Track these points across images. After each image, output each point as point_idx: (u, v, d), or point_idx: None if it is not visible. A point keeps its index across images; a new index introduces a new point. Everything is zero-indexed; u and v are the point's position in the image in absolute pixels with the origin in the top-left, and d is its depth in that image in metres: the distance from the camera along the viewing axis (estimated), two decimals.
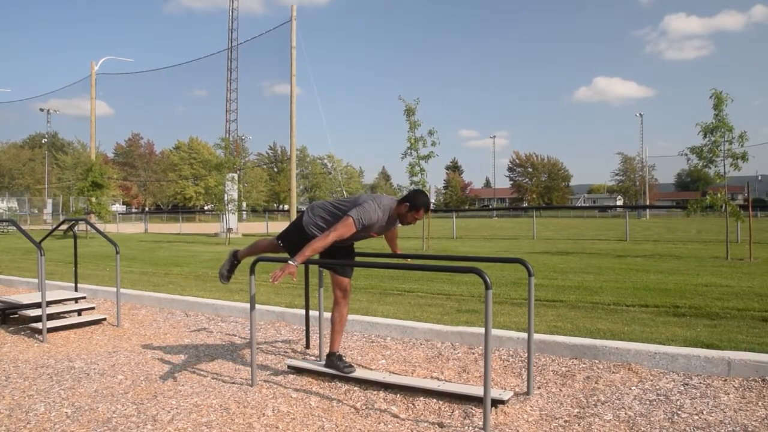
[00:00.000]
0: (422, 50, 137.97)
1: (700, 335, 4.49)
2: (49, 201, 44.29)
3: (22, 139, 61.55)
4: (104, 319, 5.81)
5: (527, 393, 3.53)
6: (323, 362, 3.96)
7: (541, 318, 5.22)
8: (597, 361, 4.10)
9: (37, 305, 5.49)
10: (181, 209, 48.66)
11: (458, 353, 4.46)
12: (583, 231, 24.54)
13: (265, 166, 70.21)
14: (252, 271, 3.70)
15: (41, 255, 5.22)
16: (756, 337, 4.39)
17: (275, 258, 3.88)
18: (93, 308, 6.12)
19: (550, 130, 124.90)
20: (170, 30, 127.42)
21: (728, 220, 11.59)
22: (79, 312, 5.94)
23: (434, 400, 3.41)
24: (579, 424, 3.04)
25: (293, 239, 3.77)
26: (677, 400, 3.36)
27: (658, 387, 3.59)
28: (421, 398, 3.45)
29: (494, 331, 4.54)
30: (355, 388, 3.67)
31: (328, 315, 4.13)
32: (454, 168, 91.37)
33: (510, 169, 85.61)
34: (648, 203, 57.22)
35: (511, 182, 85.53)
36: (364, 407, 3.36)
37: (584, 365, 4.05)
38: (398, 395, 3.53)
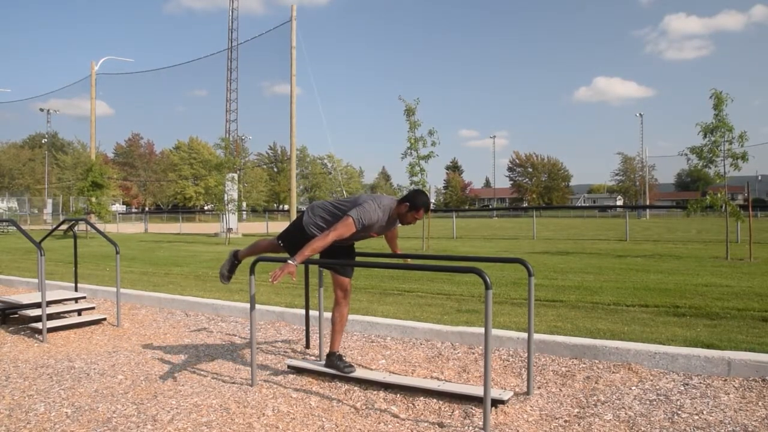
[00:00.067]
0: (422, 50, 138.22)
1: (700, 335, 4.49)
2: (49, 201, 44.28)
3: (22, 139, 61.71)
4: (104, 319, 5.81)
5: (527, 393, 3.54)
6: (323, 362, 3.96)
7: (541, 318, 5.22)
8: (597, 361, 4.10)
9: (37, 305, 5.49)
10: (181, 209, 48.68)
11: (458, 353, 4.46)
12: (583, 231, 24.54)
13: (265, 166, 70.22)
14: (252, 271, 3.70)
15: (41, 255, 5.22)
16: (756, 337, 4.39)
17: (275, 258, 3.87)
18: (93, 308, 6.12)
19: (550, 130, 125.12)
20: (170, 30, 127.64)
21: (728, 220, 11.59)
22: (79, 312, 5.94)
23: (434, 400, 3.42)
24: (579, 424, 3.04)
25: (293, 239, 3.77)
26: (677, 400, 3.36)
27: (658, 387, 3.59)
28: (421, 398, 3.45)
29: (494, 331, 4.54)
30: (355, 388, 3.67)
31: (328, 315, 4.14)
32: (454, 168, 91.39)
33: (510, 169, 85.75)
34: (648, 203, 57.24)
35: (511, 182, 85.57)
36: (364, 407, 3.36)
37: (584, 365, 4.05)
38: (398, 395, 3.53)
